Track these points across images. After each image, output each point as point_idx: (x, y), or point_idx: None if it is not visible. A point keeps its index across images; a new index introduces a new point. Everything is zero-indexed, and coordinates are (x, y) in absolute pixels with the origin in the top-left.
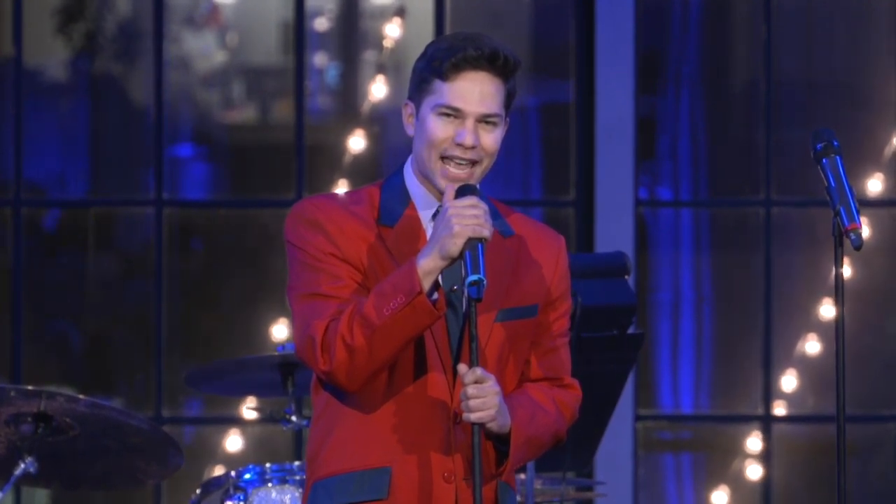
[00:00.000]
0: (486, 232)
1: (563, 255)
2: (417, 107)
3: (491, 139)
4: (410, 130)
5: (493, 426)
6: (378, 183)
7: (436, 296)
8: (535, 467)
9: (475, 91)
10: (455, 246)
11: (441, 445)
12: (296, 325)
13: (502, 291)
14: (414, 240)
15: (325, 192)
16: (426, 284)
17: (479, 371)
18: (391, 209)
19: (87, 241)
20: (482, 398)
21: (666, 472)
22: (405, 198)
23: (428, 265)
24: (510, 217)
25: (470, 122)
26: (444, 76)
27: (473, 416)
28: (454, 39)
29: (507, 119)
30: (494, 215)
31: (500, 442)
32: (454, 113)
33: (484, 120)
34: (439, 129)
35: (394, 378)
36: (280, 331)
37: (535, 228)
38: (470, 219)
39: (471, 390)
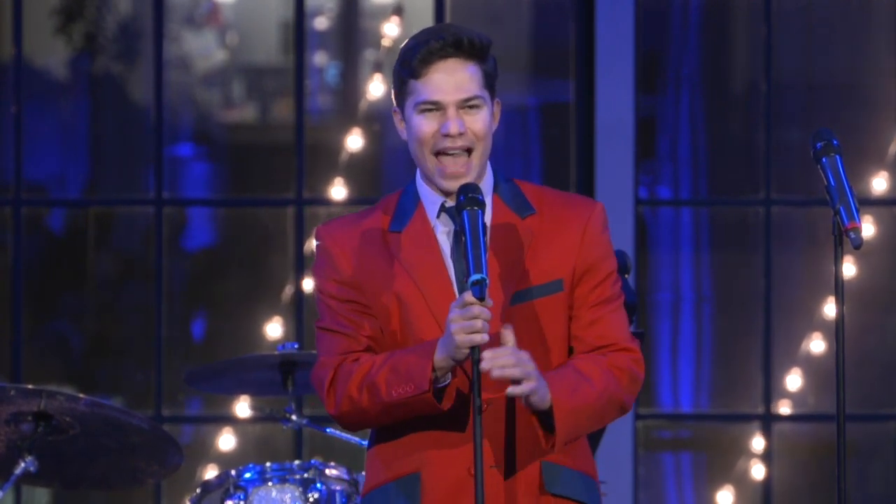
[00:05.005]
0: (479, 338)
1: (594, 221)
2: (403, 111)
3: (478, 121)
4: (404, 136)
5: (534, 399)
6: (402, 189)
7: (448, 379)
8: None
9: (449, 80)
10: (460, 353)
11: (466, 439)
12: (317, 355)
13: (517, 274)
14: (421, 244)
15: (344, 215)
16: (440, 375)
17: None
18: (403, 214)
19: (87, 241)
20: (502, 358)
21: (666, 470)
22: (416, 200)
23: (441, 363)
24: (535, 194)
25: (452, 111)
26: (416, 74)
27: (495, 371)
28: (418, 36)
29: (497, 100)
30: (514, 195)
31: (546, 417)
32: (434, 106)
33: (465, 105)
34: (424, 125)
35: None
36: (279, 330)
37: (563, 201)
38: (467, 326)
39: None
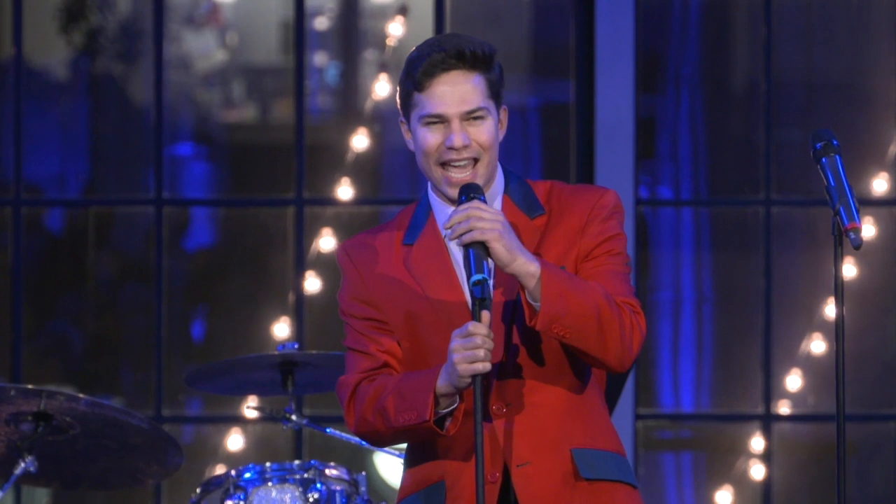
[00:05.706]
0: (480, 367)
1: (599, 206)
2: (409, 122)
3: (483, 132)
4: (411, 146)
5: (500, 248)
6: (417, 200)
7: (455, 403)
8: None
9: (452, 93)
10: (463, 382)
11: (488, 446)
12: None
13: None
14: (431, 255)
15: (366, 229)
16: (442, 402)
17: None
18: (416, 225)
19: (87, 241)
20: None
21: (666, 470)
22: (427, 211)
23: (443, 389)
24: (546, 192)
25: (456, 124)
26: (420, 87)
27: (466, 236)
28: (421, 48)
29: (503, 107)
30: (525, 196)
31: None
32: (438, 119)
33: (470, 117)
34: (429, 138)
35: None
36: (280, 329)
37: (571, 192)
38: (469, 356)
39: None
